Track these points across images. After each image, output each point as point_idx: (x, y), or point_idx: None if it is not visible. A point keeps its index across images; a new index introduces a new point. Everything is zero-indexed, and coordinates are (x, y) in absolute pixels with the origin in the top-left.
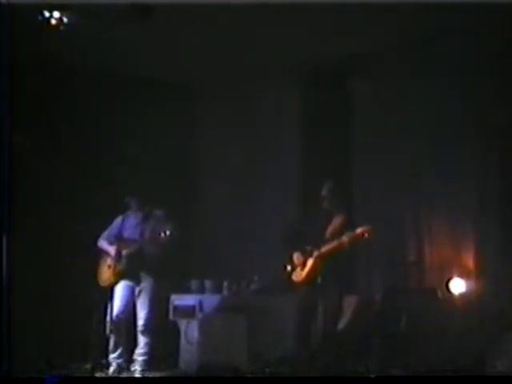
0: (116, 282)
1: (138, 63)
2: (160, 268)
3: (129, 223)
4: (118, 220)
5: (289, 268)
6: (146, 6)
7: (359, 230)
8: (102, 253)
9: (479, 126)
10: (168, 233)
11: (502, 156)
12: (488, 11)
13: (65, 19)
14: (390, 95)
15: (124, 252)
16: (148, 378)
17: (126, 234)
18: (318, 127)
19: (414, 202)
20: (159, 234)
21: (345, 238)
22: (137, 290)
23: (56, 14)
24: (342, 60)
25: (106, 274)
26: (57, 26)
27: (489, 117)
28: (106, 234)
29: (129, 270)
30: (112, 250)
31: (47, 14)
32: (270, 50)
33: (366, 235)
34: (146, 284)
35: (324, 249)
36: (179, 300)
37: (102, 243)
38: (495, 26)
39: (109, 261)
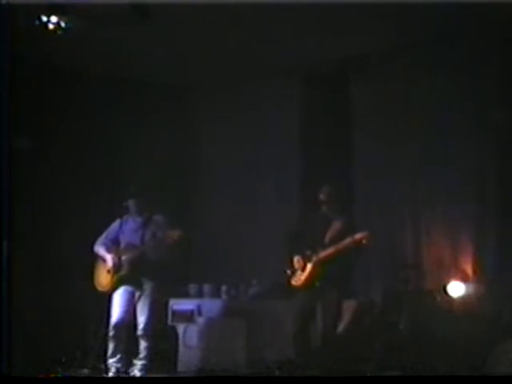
0: (116, 287)
1: (137, 64)
2: (159, 273)
3: (127, 228)
4: (115, 225)
5: (288, 272)
6: (145, 7)
7: (358, 236)
8: (99, 258)
9: (479, 126)
10: (177, 234)
11: (501, 156)
12: (489, 11)
13: (62, 23)
14: (390, 95)
15: (124, 257)
16: (148, 378)
17: (125, 238)
18: (318, 128)
19: (413, 205)
20: (169, 238)
21: (343, 244)
22: (136, 294)
23: (53, 19)
24: (342, 60)
25: (105, 279)
26: (54, 30)
27: (489, 117)
28: (102, 238)
29: (128, 275)
30: (111, 255)
31: (45, 19)
32: (270, 50)
33: (365, 241)
34: (145, 289)
35: (322, 254)
36: (178, 305)
37: (99, 249)
38: (495, 26)
39: (108, 266)
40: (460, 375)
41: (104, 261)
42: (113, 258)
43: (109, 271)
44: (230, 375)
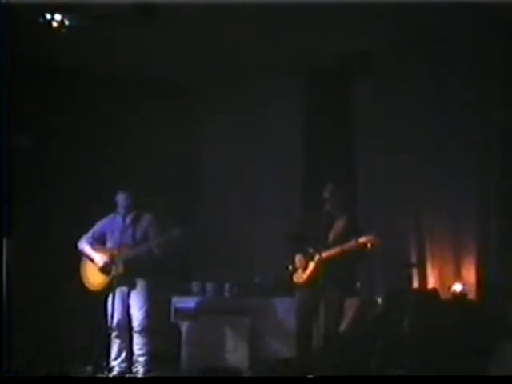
0: (110, 287)
1: (138, 64)
2: (157, 269)
3: (115, 226)
4: (102, 223)
5: (290, 268)
6: (146, 7)
7: (362, 240)
8: (86, 256)
9: (480, 126)
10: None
11: (502, 156)
12: (488, 11)
13: (66, 21)
14: (391, 95)
15: (116, 257)
16: (149, 378)
17: (114, 237)
18: (318, 127)
19: (416, 204)
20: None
21: (347, 247)
22: (133, 293)
23: (57, 17)
24: (342, 60)
25: (98, 278)
26: (58, 28)
27: (489, 117)
28: (88, 237)
29: (123, 274)
30: (100, 254)
31: (49, 17)
32: (270, 50)
33: (369, 245)
34: (142, 287)
35: (326, 254)
36: (180, 302)
37: (85, 247)
38: (495, 26)
39: (98, 265)
40: (461, 375)
41: (92, 260)
42: (103, 258)
43: (100, 270)
44: (233, 373)
